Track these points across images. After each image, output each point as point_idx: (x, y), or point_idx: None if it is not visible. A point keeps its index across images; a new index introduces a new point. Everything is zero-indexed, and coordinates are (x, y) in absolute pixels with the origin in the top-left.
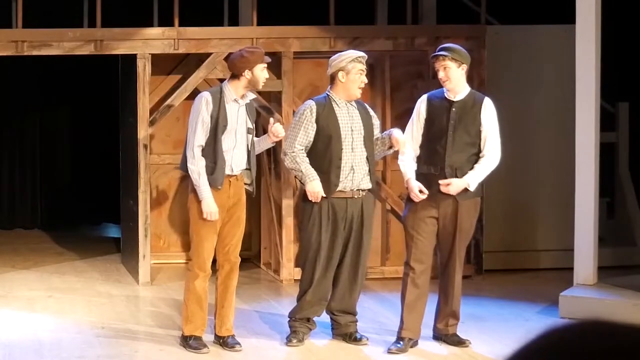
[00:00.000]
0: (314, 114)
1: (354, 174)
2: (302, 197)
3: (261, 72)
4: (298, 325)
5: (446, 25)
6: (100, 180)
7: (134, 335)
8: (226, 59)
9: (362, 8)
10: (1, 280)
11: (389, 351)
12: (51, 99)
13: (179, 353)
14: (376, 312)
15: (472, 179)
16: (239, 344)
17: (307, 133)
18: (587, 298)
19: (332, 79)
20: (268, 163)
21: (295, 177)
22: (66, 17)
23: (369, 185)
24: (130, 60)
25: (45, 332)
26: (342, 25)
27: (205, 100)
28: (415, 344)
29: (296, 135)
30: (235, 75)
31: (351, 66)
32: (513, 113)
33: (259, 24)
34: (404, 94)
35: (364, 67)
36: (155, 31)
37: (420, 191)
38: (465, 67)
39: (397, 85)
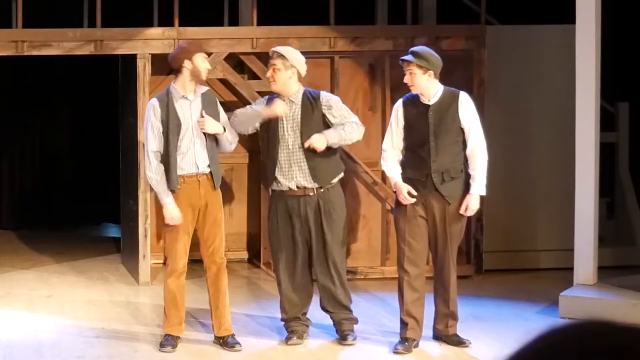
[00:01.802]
0: None
1: (293, 172)
2: None
3: (202, 62)
4: (294, 324)
5: (446, 25)
6: (100, 180)
7: (134, 335)
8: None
9: (362, 8)
10: (1, 280)
11: (395, 351)
12: (51, 99)
13: (178, 353)
14: (376, 313)
15: (480, 187)
16: (239, 343)
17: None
18: (587, 298)
19: None
20: None
21: None
22: (66, 17)
23: (312, 184)
24: (130, 60)
25: (45, 332)
26: (342, 25)
27: (152, 107)
28: (417, 344)
29: None
30: (178, 71)
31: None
32: (513, 113)
33: (259, 24)
34: (404, 94)
35: (272, 61)
36: (155, 31)
37: (409, 193)
38: (432, 73)
39: (397, 85)
